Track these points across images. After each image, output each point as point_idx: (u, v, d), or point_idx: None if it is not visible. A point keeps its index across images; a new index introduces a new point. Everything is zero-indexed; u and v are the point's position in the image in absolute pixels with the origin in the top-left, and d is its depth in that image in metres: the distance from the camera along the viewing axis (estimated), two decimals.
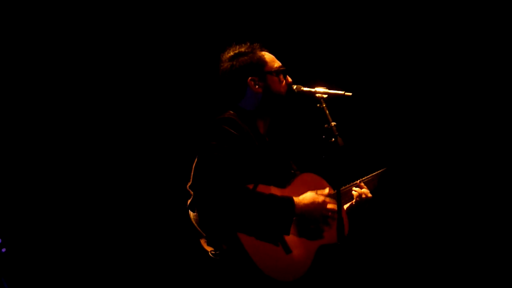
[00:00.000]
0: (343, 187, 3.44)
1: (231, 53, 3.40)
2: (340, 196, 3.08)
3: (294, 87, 3.31)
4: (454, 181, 5.27)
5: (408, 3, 5.29)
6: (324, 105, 3.16)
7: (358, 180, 3.50)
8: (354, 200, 3.44)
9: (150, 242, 5.02)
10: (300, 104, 3.36)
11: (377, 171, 3.63)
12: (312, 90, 3.24)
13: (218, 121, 3.19)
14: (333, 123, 3.09)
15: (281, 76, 3.39)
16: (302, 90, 3.29)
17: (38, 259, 4.86)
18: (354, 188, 3.46)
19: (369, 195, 3.45)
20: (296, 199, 3.14)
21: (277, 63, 3.41)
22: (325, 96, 3.20)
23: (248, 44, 3.43)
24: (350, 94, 3.22)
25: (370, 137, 5.19)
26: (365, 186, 3.50)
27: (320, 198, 3.19)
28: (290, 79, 3.42)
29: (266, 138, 3.40)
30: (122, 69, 5.10)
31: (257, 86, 3.35)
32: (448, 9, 5.25)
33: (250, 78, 3.35)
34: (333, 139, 3.06)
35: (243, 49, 3.40)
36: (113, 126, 5.08)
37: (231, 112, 3.30)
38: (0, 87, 4.89)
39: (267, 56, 3.42)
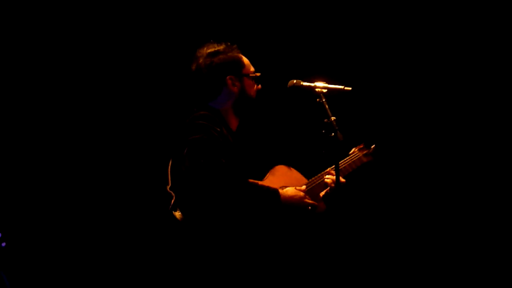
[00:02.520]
0: (316, 177, 3.48)
1: (211, 50, 3.42)
2: (339, 185, 3.21)
3: (294, 81, 3.32)
4: (449, 174, 5.28)
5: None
6: (323, 100, 3.18)
7: (329, 168, 3.51)
8: (328, 188, 3.45)
9: (147, 238, 5.02)
10: (299, 99, 3.37)
11: (346, 157, 3.68)
12: (312, 84, 3.26)
13: (193, 118, 3.23)
14: (332, 118, 3.11)
15: (254, 81, 3.45)
16: (302, 85, 3.29)
17: (37, 254, 4.87)
18: (326, 176, 3.47)
19: (342, 180, 3.46)
20: (280, 190, 3.22)
21: (252, 68, 3.48)
22: (324, 90, 3.22)
23: (228, 44, 3.45)
24: (350, 88, 3.24)
25: (370, 131, 5.19)
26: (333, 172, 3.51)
27: (301, 193, 3.29)
28: (260, 87, 3.47)
29: (237, 136, 3.45)
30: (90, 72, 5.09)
31: (234, 86, 3.40)
32: (445, 4, 5.26)
33: (229, 76, 3.39)
34: (333, 133, 3.09)
35: (222, 48, 3.43)
36: (104, 128, 5.07)
37: (203, 111, 3.31)
38: (0, 87, 4.90)
39: (245, 59, 3.47)
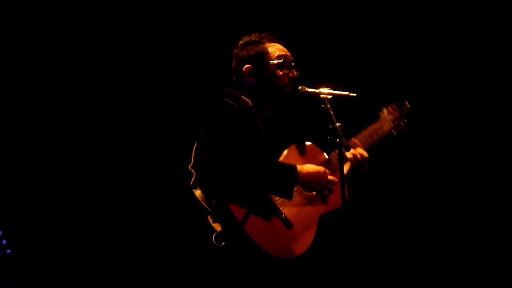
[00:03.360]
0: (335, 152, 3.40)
1: (242, 41, 3.49)
2: (344, 190, 3.11)
3: (299, 87, 3.32)
4: (456, 179, 5.28)
5: (412, 5, 5.29)
6: (328, 106, 3.18)
7: (352, 138, 3.49)
8: (350, 165, 3.42)
9: (152, 244, 5.02)
10: (304, 105, 3.37)
11: (369, 125, 3.63)
12: (317, 90, 3.25)
13: (216, 94, 3.26)
14: (337, 124, 3.10)
15: (280, 69, 3.41)
16: (307, 91, 3.30)
17: (42, 260, 4.87)
18: (347, 153, 3.40)
19: (365, 154, 3.43)
20: (299, 167, 3.18)
21: (279, 54, 3.43)
22: (329, 96, 3.21)
23: (259, 34, 3.49)
24: (355, 94, 3.24)
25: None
26: (359, 143, 3.48)
27: (322, 169, 3.24)
28: (295, 73, 3.45)
29: (268, 118, 3.44)
30: (121, 62, 5.11)
31: (251, 76, 3.42)
32: (453, 10, 5.26)
33: (246, 67, 3.42)
34: (338, 139, 3.08)
35: (253, 38, 3.49)
36: (111, 116, 5.09)
37: (227, 88, 3.34)
38: (0, 87, 4.91)
39: (272, 47, 3.46)
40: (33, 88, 4.97)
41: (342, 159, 3.10)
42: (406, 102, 3.69)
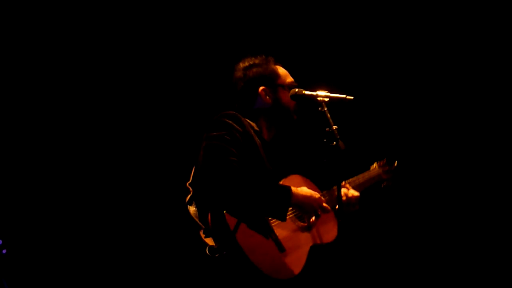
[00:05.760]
0: (328, 191, 3.46)
1: (246, 64, 3.51)
2: (341, 198, 3.13)
3: (296, 90, 3.33)
4: (454, 185, 5.28)
5: (409, 8, 5.30)
6: (325, 109, 3.19)
7: (343, 182, 3.52)
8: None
9: (149, 241, 5.02)
10: (301, 108, 3.38)
11: (362, 172, 3.69)
12: (314, 93, 3.26)
13: (220, 115, 3.28)
14: (334, 127, 3.11)
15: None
16: (304, 94, 3.30)
17: (38, 260, 4.86)
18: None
19: (356, 193, 3.49)
20: (294, 189, 3.19)
21: (289, 79, 3.51)
22: (326, 99, 3.22)
23: (263, 56, 3.53)
24: (352, 97, 3.24)
25: (371, 140, 5.20)
26: (350, 187, 3.55)
27: (317, 195, 3.26)
28: None
29: (270, 143, 3.46)
30: (127, 71, 5.12)
31: (267, 97, 3.44)
32: (449, 12, 5.26)
33: (262, 88, 3.43)
34: (335, 142, 3.09)
35: (257, 61, 3.51)
36: (113, 126, 5.09)
37: (232, 111, 3.34)
38: (0, 87, 4.90)
39: (281, 70, 3.52)
40: (31, 89, 4.96)
41: (340, 163, 3.11)
42: (396, 161, 3.77)
